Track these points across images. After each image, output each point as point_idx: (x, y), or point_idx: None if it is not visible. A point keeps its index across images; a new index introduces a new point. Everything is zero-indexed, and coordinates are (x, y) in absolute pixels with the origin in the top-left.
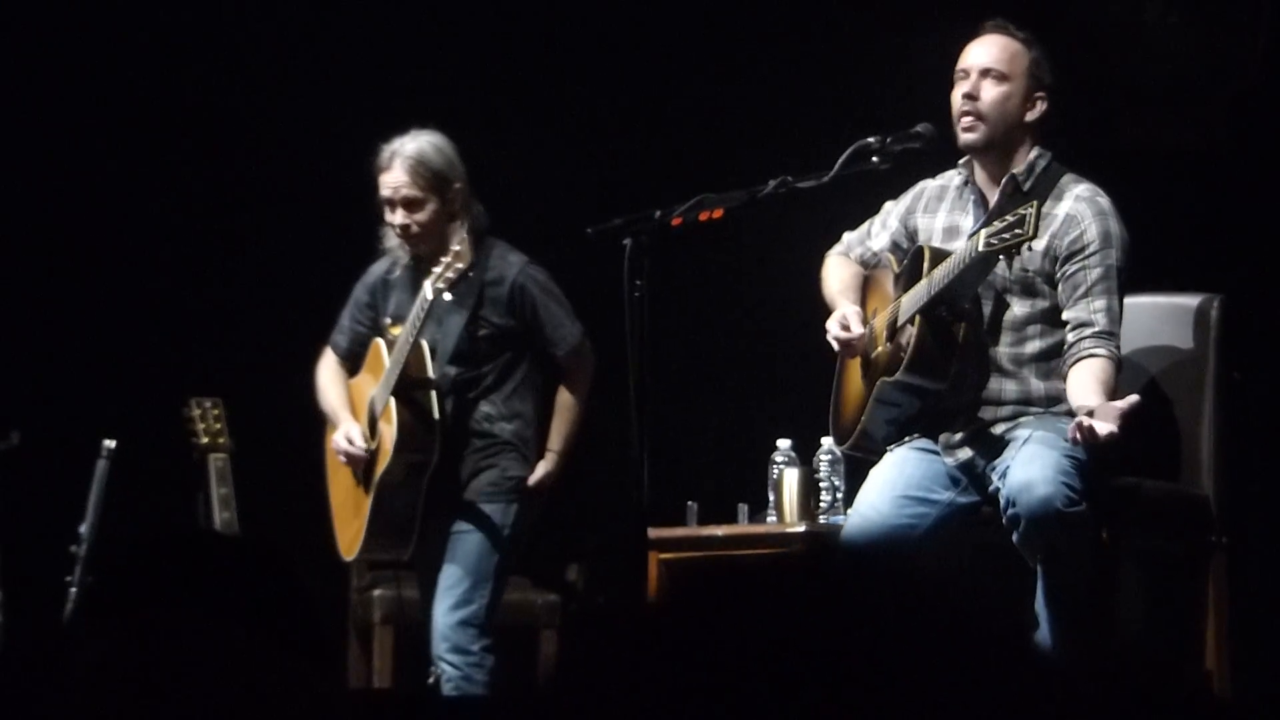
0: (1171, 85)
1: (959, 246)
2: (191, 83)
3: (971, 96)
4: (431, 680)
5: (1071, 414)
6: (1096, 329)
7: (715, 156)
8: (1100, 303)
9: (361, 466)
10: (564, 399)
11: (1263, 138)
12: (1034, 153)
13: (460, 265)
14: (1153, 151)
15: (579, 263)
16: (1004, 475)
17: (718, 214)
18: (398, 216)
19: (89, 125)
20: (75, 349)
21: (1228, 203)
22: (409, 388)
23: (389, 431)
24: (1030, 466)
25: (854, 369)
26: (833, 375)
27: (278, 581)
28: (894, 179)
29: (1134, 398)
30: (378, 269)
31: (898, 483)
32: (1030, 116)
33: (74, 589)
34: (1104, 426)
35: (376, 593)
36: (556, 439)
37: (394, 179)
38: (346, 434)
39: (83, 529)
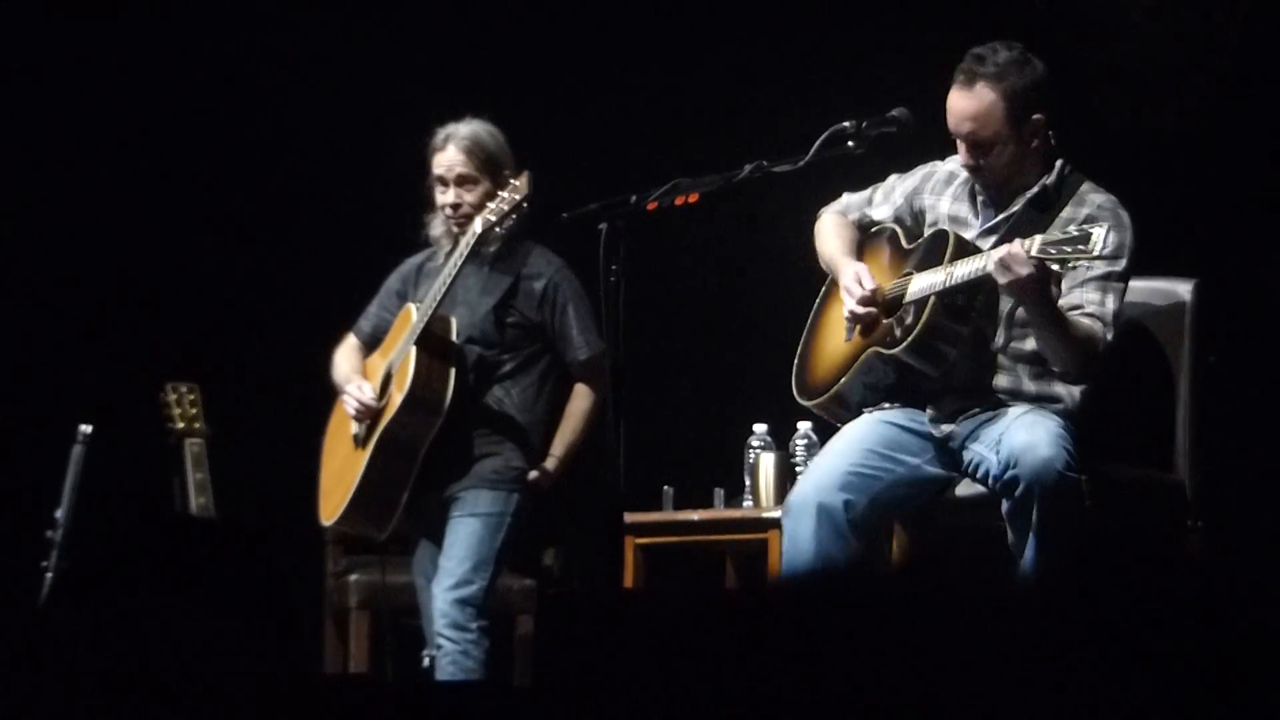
0: (1150, 69)
1: (994, 244)
2: (174, 67)
3: (971, 164)
4: (427, 663)
5: (1060, 410)
6: (1087, 310)
7: (690, 141)
8: (1095, 295)
9: (365, 425)
10: (575, 406)
11: (1240, 122)
12: (1058, 162)
13: (515, 198)
14: (1130, 135)
15: (555, 247)
16: (997, 443)
17: (693, 198)
18: (449, 195)
19: (65, 110)
20: (51, 333)
21: (1205, 186)
22: (429, 349)
23: (400, 390)
24: (1034, 430)
25: (835, 326)
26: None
27: (253, 566)
28: (868, 163)
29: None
30: (414, 260)
31: (865, 438)
32: (1035, 144)
33: (50, 574)
34: (1025, 266)
35: (353, 578)
36: (559, 444)
37: (449, 158)
38: (357, 386)
39: (58, 514)
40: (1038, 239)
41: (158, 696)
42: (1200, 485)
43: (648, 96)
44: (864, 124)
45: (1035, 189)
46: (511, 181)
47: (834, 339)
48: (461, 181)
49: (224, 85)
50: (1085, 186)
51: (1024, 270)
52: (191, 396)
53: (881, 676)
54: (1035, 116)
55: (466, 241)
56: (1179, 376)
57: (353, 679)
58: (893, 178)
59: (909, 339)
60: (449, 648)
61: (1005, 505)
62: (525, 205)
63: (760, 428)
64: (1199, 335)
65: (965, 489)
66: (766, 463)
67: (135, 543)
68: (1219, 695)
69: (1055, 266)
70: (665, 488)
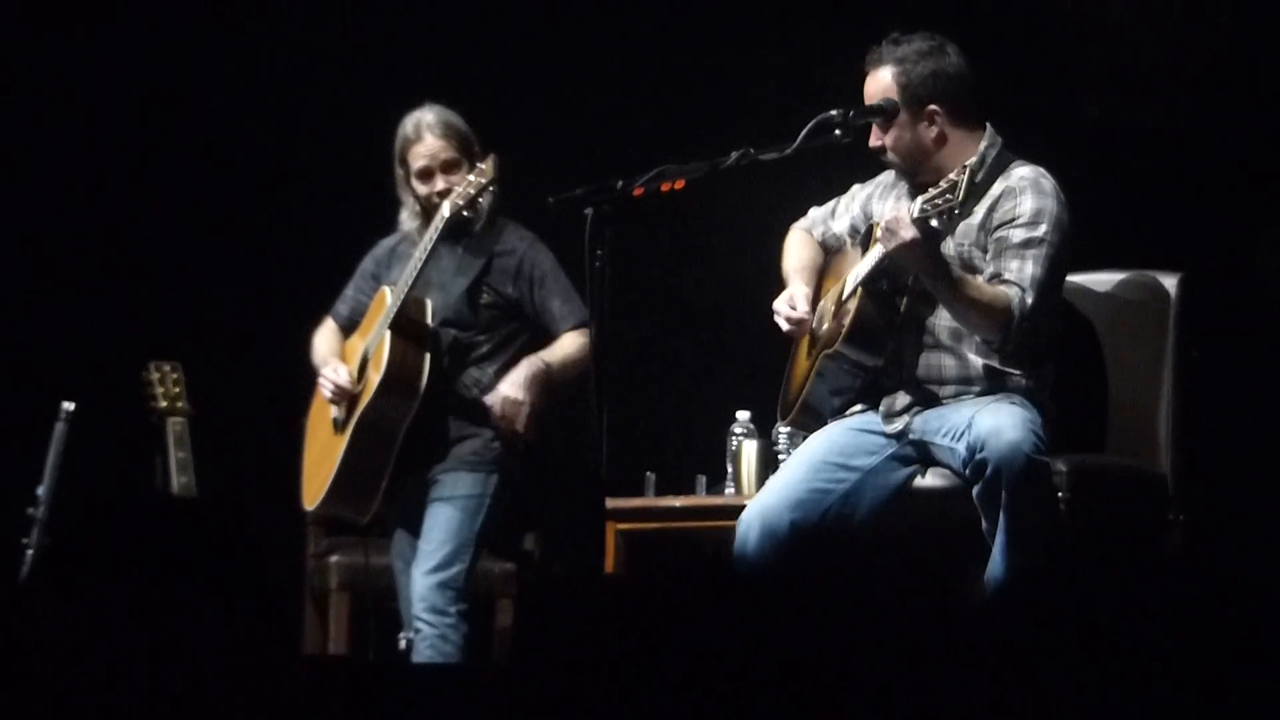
0: (1136, 62)
1: None
2: (155, 44)
3: (874, 145)
4: (403, 645)
5: (1019, 391)
6: (1004, 278)
7: (678, 127)
8: (1014, 262)
9: (344, 409)
10: (568, 340)
11: (1226, 115)
12: (984, 143)
13: (481, 181)
14: (1116, 127)
15: (540, 232)
16: (963, 430)
17: (679, 185)
18: (437, 184)
19: (47, 87)
20: (34, 311)
21: (1189, 180)
22: (404, 331)
23: (376, 373)
24: (999, 415)
25: (803, 346)
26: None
27: (234, 546)
28: (856, 152)
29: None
30: (387, 242)
31: (819, 450)
32: (931, 136)
33: (31, 551)
34: (908, 230)
35: (334, 559)
36: (551, 353)
37: (429, 147)
38: (333, 369)
39: (40, 491)
40: (918, 200)
41: (137, 675)
42: (1182, 478)
43: (636, 82)
44: (851, 113)
45: (956, 169)
46: (478, 165)
47: (801, 357)
48: (446, 167)
49: (206, 64)
50: (1014, 165)
51: (907, 233)
52: (174, 375)
53: (857, 669)
54: (931, 107)
55: (435, 225)
56: (1163, 369)
57: (332, 660)
58: (855, 187)
59: (846, 329)
60: (427, 631)
61: (975, 490)
62: (491, 189)
63: (743, 415)
64: (1183, 328)
65: (930, 480)
66: (749, 450)
67: (116, 521)
68: (1200, 690)
69: (934, 222)
70: (648, 474)
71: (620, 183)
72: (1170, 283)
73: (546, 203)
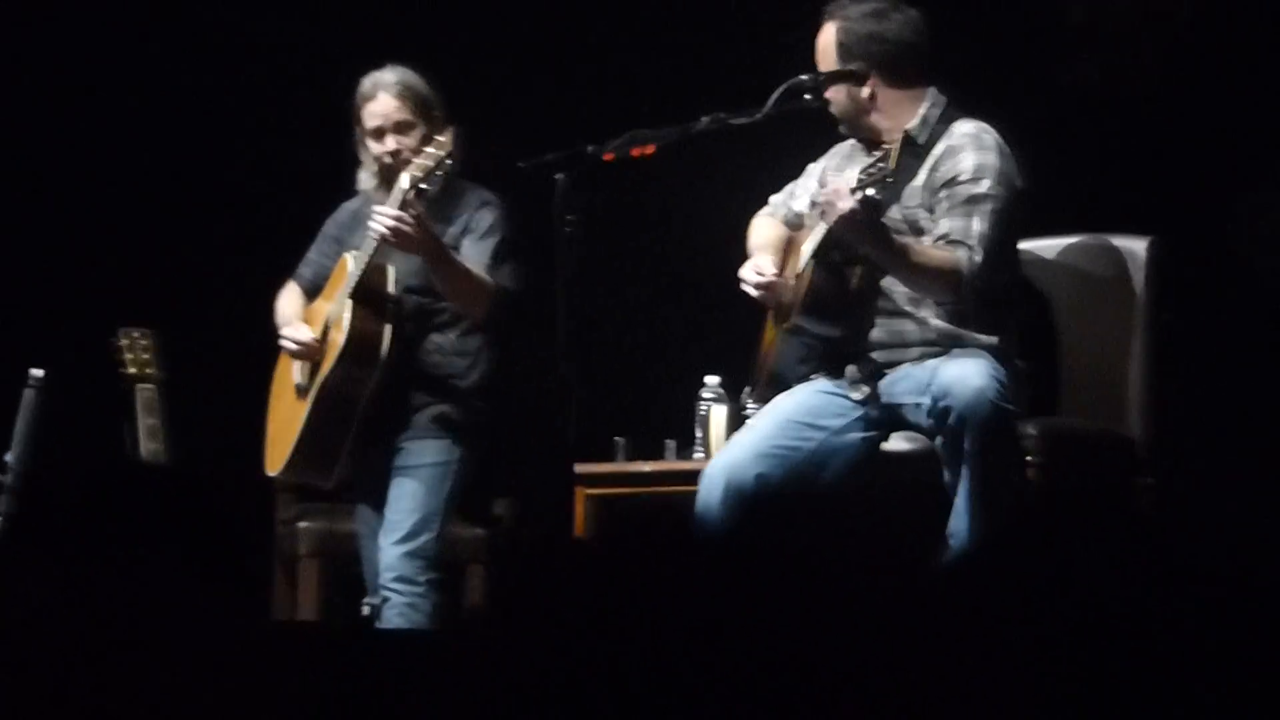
0: (1106, 27)
1: None
2: (117, 9)
3: (827, 105)
4: (367, 611)
5: (984, 349)
6: (948, 238)
7: (648, 92)
8: (959, 221)
9: (307, 375)
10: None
11: (1197, 80)
12: (925, 105)
13: (439, 154)
14: (1088, 93)
15: (511, 197)
16: (928, 385)
17: (650, 150)
18: (388, 143)
19: (11, 53)
20: (3, 278)
21: (1161, 144)
22: (366, 299)
23: (338, 339)
24: (964, 365)
25: (771, 320)
26: (760, 313)
27: (203, 512)
28: (827, 116)
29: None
30: (349, 205)
31: (787, 409)
32: (865, 95)
33: (0, 519)
34: (845, 201)
35: (303, 525)
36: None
37: (383, 106)
38: (294, 328)
39: (9, 458)
40: (856, 174)
41: (108, 642)
42: (1152, 442)
43: (606, 47)
44: (822, 77)
45: (902, 136)
46: (436, 138)
47: (769, 331)
48: (399, 128)
49: (172, 26)
50: (958, 122)
51: (844, 205)
52: (145, 342)
53: (822, 630)
54: (853, 66)
55: (394, 197)
56: (1134, 333)
57: (301, 626)
58: (810, 165)
59: (801, 301)
60: (396, 600)
61: (939, 441)
62: (449, 161)
63: (712, 379)
64: (1155, 292)
65: (897, 444)
66: (718, 415)
67: (87, 488)
68: (1169, 653)
69: (870, 191)
70: (617, 439)
71: (591, 147)
72: (1141, 247)
73: (516, 167)
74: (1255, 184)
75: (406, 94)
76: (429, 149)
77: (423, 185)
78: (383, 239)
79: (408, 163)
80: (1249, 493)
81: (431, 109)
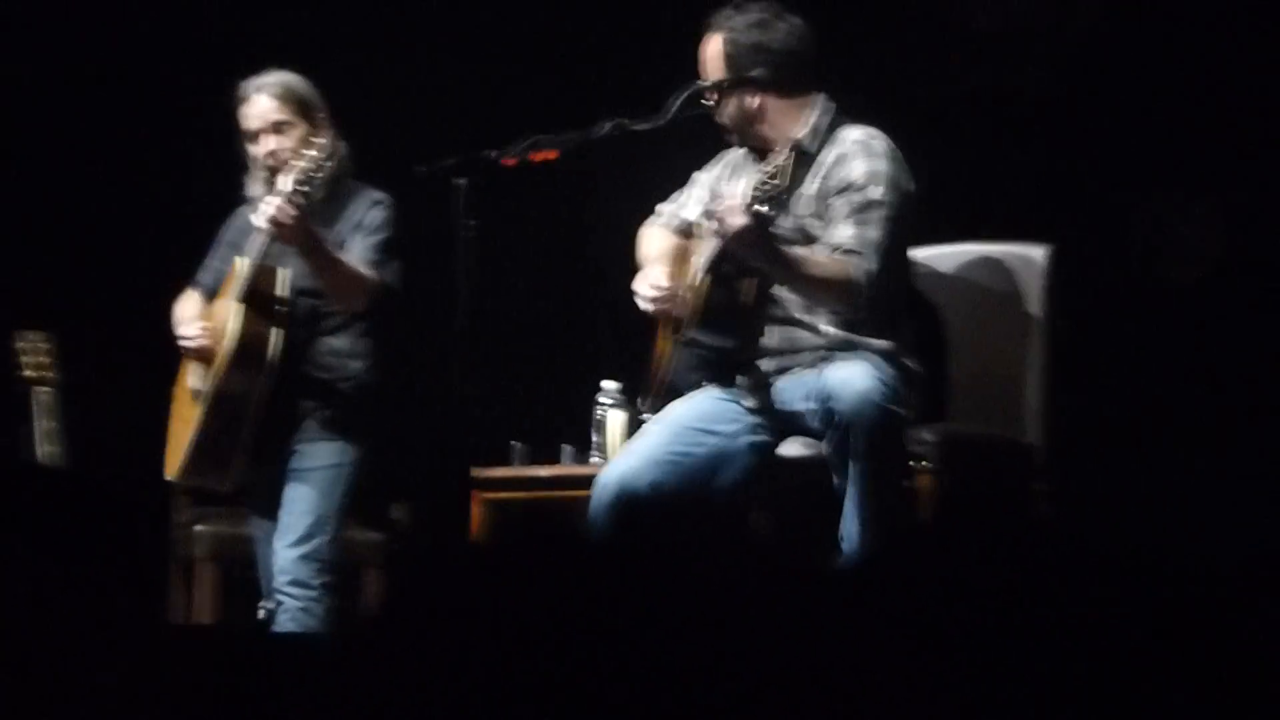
0: (1004, 30)
1: None
2: (20, 10)
3: (708, 113)
4: (262, 615)
5: (878, 352)
6: (837, 246)
7: (549, 97)
8: (850, 230)
9: (203, 379)
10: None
11: (1095, 84)
12: (815, 113)
13: (317, 155)
14: (987, 97)
15: (405, 201)
16: (815, 389)
17: (551, 155)
18: (267, 143)
19: None
20: None
21: (1057, 149)
22: (254, 302)
23: (226, 347)
24: (849, 367)
25: (663, 330)
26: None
27: (99, 516)
28: (716, 124)
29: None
30: (244, 210)
31: (681, 415)
32: (754, 105)
33: None
34: (737, 217)
35: (199, 529)
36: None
37: (258, 107)
38: (188, 326)
39: None
40: (748, 186)
41: (1, 644)
42: (1050, 448)
43: (508, 50)
44: (724, 82)
45: (791, 145)
46: (314, 139)
47: (660, 339)
48: (277, 128)
49: (73, 30)
50: (845, 129)
51: (736, 221)
52: (43, 345)
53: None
54: (759, 71)
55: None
56: (1032, 340)
57: (198, 629)
58: (697, 174)
59: (694, 314)
60: (290, 604)
61: (826, 444)
62: (328, 162)
63: (610, 384)
64: (1052, 300)
65: (790, 449)
66: (615, 419)
67: None
68: (1066, 660)
69: (762, 207)
70: (514, 443)
71: (491, 152)
72: (1039, 254)
73: (415, 171)
74: (1152, 191)
75: (283, 94)
76: (307, 151)
77: (302, 186)
78: (267, 231)
79: (285, 164)
80: (1143, 496)
81: (311, 110)
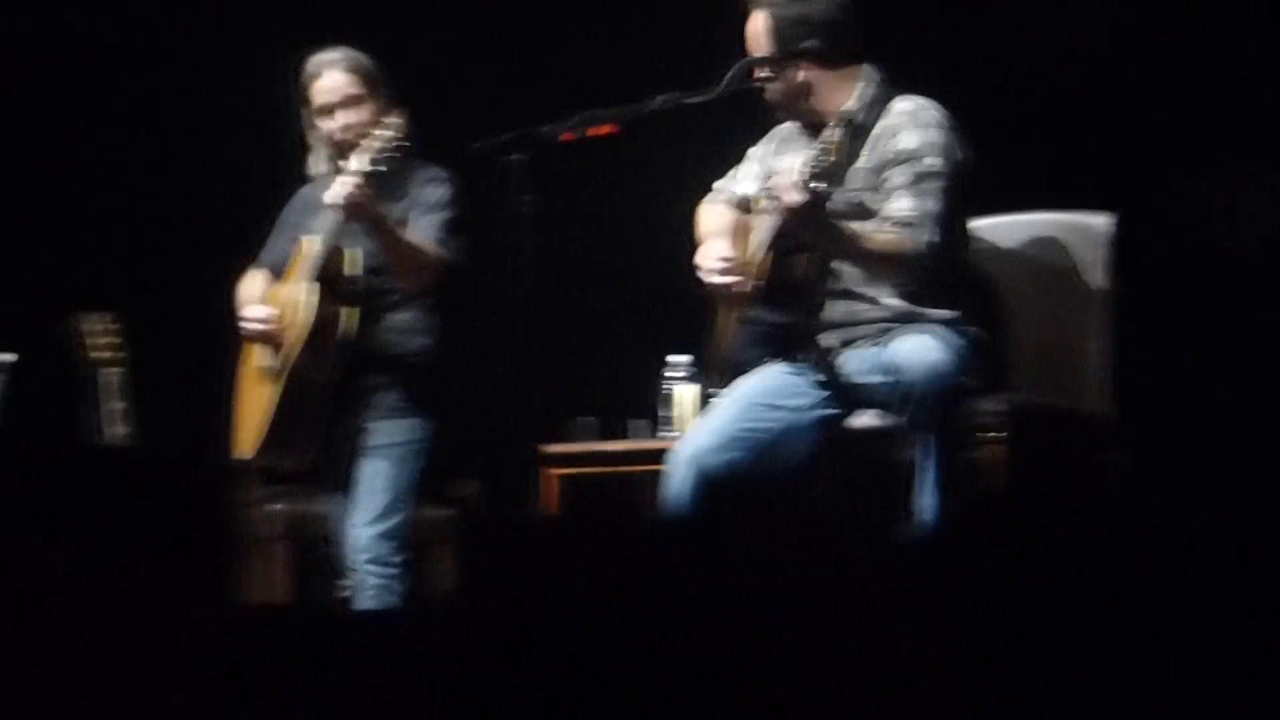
0: None
1: None
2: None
3: (758, 89)
4: (343, 594)
5: (942, 323)
6: (895, 219)
7: (604, 71)
8: (907, 201)
9: (275, 358)
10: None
11: (1159, 50)
12: (860, 84)
13: (390, 133)
14: (1047, 66)
15: (466, 178)
16: (883, 363)
17: (608, 129)
18: (338, 119)
19: None
20: None
21: (1122, 118)
22: (327, 281)
23: (303, 321)
24: (916, 339)
25: (724, 308)
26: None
27: (171, 496)
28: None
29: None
30: (305, 191)
31: (750, 391)
32: (799, 79)
33: None
34: (792, 194)
35: (274, 507)
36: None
37: (331, 81)
38: (252, 310)
39: None
40: (802, 163)
41: (78, 627)
42: (1119, 418)
43: (561, 26)
44: (772, 58)
45: (839, 116)
46: (386, 118)
47: (723, 319)
48: (349, 102)
49: (138, 9)
50: (896, 100)
51: (792, 198)
52: (110, 325)
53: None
54: (805, 44)
55: (346, 175)
56: (1097, 310)
57: (273, 608)
58: (751, 149)
59: (751, 299)
60: (371, 582)
61: (896, 418)
62: (401, 140)
63: (679, 358)
64: (1117, 269)
65: (860, 421)
66: (685, 393)
67: (54, 473)
68: (1137, 628)
69: (818, 183)
70: (584, 418)
71: (546, 128)
72: (1101, 223)
73: (471, 148)
74: (1217, 159)
75: (356, 68)
76: (379, 130)
77: (375, 165)
78: (339, 208)
79: (359, 140)
80: (1212, 468)
81: (379, 86)
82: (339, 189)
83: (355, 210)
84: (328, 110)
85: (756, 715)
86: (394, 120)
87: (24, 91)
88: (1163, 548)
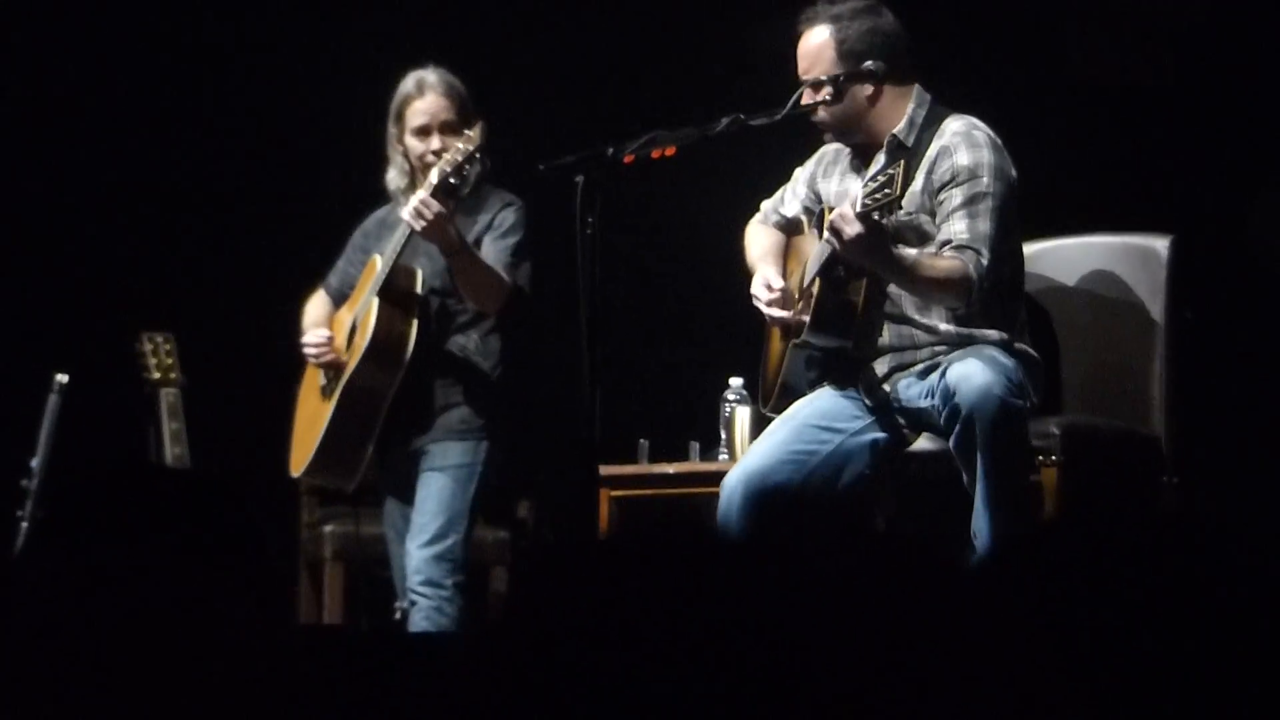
0: (1122, 19)
1: None
2: (146, 14)
3: (814, 114)
4: (398, 615)
5: (994, 343)
6: (954, 244)
7: (668, 93)
8: (962, 224)
9: (331, 376)
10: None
11: (1213, 74)
12: (912, 104)
13: (468, 148)
14: (1104, 87)
15: (531, 199)
16: (937, 388)
17: (670, 151)
18: (433, 143)
19: (37, 58)
20: (26, 282)
21: (1179, 140)
22: (392, 298)
23: (363, 340)
24: (970, 363)
25: (776, 331)
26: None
27: (228, 517)
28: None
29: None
30: (378, 213)
31: (803, 414)
32: (866, 95)
33: (25, 523)
34: (852, 226)
35: (328, 529)
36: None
37: (431, 104)
38: (314, 333)
39: (34, 463)
40: (860, 194)
41: (133, 648)
42: (1176, 440)
43: (626, 47)
44: (840, 77)
45: (888, 137)
46: (465, 131)
47: (776, 342)
48: (445, 128)
49: (199, 31)
50: (948, 120)
51: (852, 230)
52: (167, 346)
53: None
54: (868, 64)
55: (424, 189)
56: (1155, 332)
57: (328, 630)
58: (797, 170)
59: (810, 318)
60: (424, 604)
61: (951, 440)
62: (478, 156)
63: (736, 381)
64: (1175, 290)
65: (923, 443)
66: (742, 416)
67: (110, 493)
68: (1193, 652)
69: (877, 216)
70: (641, 440)
71: (611, 149)
72: (1162, 245)
73: (536, 169)
74: (1274, 180)
75: (452, 94)
76: (458, 144)
77: (452, 180)
78: (413, 226)
79: (440, 161)
80: (1273, 491)
81: (468, 111)
82: (416, 208)
83: (431, 230)
84: (424, 131)
85: None
86: (471, 134)
87: (87, 115)
88: (1222, 572)
